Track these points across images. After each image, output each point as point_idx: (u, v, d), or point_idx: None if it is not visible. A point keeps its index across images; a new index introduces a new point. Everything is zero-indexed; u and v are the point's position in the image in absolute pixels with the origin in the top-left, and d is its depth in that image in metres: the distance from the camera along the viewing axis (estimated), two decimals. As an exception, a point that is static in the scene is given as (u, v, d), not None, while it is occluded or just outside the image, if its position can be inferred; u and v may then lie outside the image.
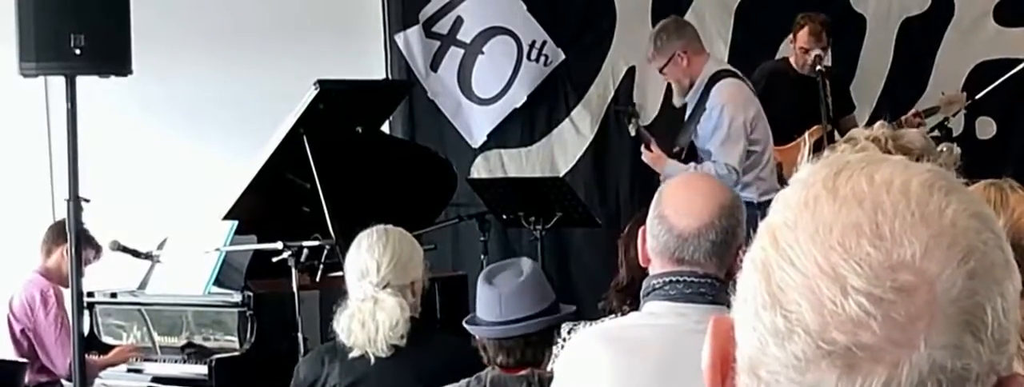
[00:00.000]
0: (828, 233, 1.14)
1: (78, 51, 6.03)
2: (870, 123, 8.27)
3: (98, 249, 7.16)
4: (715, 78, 7.46)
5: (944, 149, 2.38)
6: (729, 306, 1.20)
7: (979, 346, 1.12)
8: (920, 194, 1.15)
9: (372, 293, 4.70)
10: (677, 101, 7.73)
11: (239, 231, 6.81)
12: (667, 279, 3.20)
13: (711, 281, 3.20)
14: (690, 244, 3.19)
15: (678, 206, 3.23)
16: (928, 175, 1.18)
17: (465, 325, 4.53)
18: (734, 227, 3.23)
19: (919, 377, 1.11)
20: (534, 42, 9.19)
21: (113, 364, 7.07)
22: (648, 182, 7.80)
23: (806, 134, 8.04)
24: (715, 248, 3.20)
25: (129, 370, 7.12)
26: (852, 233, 1.13)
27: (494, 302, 4.41)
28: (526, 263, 4.58)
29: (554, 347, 4.36)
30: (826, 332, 1.11)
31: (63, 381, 7.23)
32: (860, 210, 1.14)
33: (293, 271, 6.35)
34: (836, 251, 1.13)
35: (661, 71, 7.56)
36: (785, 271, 1.14)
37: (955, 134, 8.28)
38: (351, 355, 4.71)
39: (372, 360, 4.68)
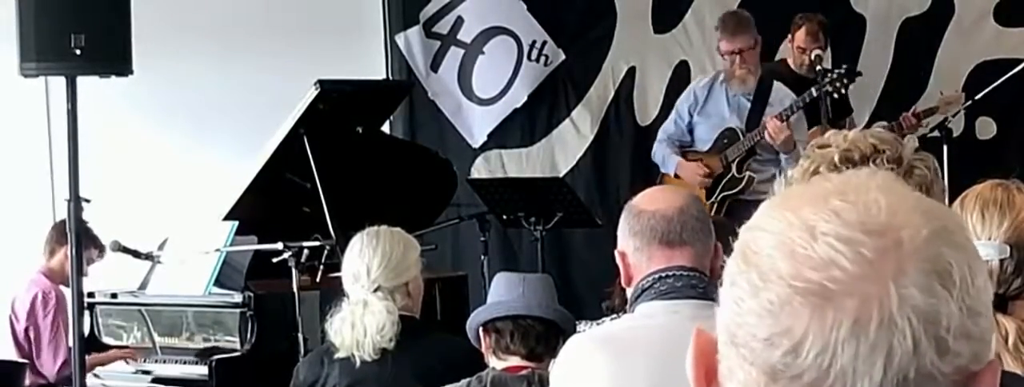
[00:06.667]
0: (798, 200, 1.19)
1: (78, 51, 6.03)
2: (870, 123, 8.33)
3: (101, 248, 7.15)
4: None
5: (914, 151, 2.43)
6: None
7: (949, 298, 1.14)
8: (886, 177, 1.21)
9: (363, 297, 4.71)
10: (742, 89, 7.98)
11: (239, 231, 6.80)
12: (657, 277, 3.22)
13: (699, 275, 3.21)
14: (677, 223, 3.23)
15: (648, 200, 3.31)
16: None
17: (474, 315, 4.51)
18: (706, 215, 3.33)
19: (890, 313, 1.13)
20: (534, 42, 9.19)
21: (102, 364, 7.05)
22: (648, 182, 7.80)
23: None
24: (701, 225, 3.25)
25: (130, 371, 7.12)
26: (821, 197, 1.18)
27: (516, 282, 4.46)
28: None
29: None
30: (798, 273, 1.14)
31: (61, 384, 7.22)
32: (829, 184, 1.20)
33: (293, 271, 6.35)
34: (805, 208, 1.17)
35: (744, 57, 7.89)
36: (758, 235, 1.18)
37: (955, 134, 8.26)
38: (337, 356, 4.71)
39: (371, 361, 4.68)
